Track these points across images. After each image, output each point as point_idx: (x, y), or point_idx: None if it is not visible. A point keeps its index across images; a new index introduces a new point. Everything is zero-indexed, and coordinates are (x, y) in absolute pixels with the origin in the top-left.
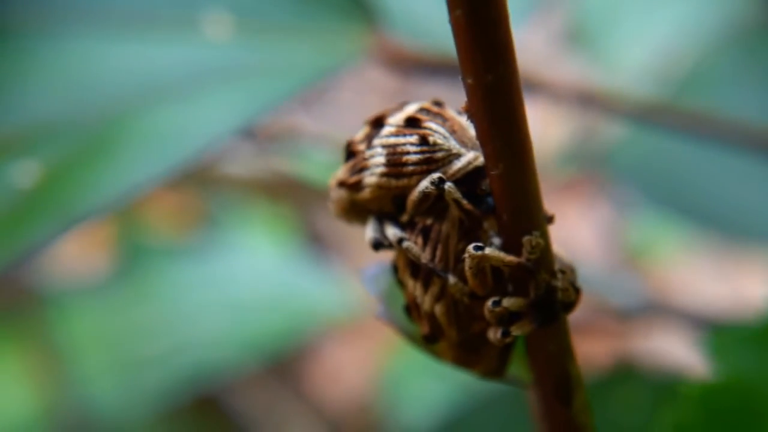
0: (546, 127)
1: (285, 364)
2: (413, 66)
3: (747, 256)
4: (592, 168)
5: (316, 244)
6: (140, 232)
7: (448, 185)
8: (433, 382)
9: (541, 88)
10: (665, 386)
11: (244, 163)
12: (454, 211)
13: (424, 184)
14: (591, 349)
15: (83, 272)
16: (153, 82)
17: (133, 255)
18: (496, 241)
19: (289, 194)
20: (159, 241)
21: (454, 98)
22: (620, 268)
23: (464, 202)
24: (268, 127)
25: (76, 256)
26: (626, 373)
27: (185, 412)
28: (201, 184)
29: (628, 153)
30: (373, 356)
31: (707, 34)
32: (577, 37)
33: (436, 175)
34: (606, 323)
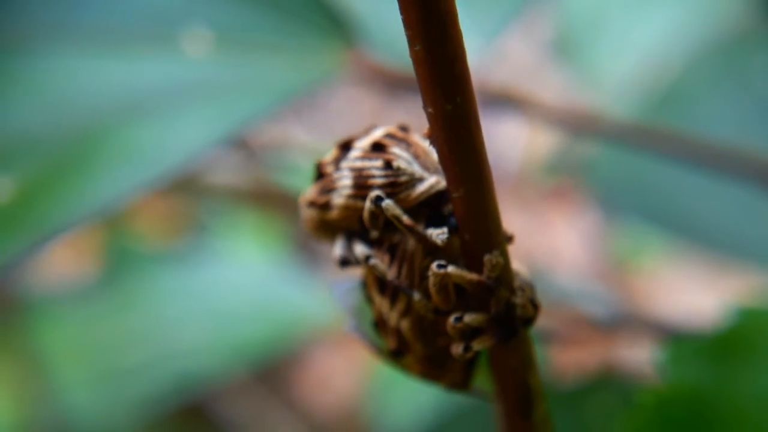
0: (533, 136)
1: (273, 371)
2: (391, 83)
3: (730, 268)
4: (578, 176)
5: (304, 251)
6: (128, 239)
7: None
8: (420, 389)
9: (526, 104)
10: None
11: (233, 172)
12: (400, 228)
13: (366, 203)
14: (570, 359)
15: (70, 278)
16: (132, 98)
17: (120, 261)
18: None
19: (277, 203)
20: (147, 248)
21: None
22: (603, 276)
23: (404, 218)
24: (257, 137)
25: (63, 261)
26: (603, 382)
27: (172, 420)
28: (190, 192)
29: (609, 167)
30: (361, 363)
31: (692, 43)
32: (563, 46)
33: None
34: (585, 334)
